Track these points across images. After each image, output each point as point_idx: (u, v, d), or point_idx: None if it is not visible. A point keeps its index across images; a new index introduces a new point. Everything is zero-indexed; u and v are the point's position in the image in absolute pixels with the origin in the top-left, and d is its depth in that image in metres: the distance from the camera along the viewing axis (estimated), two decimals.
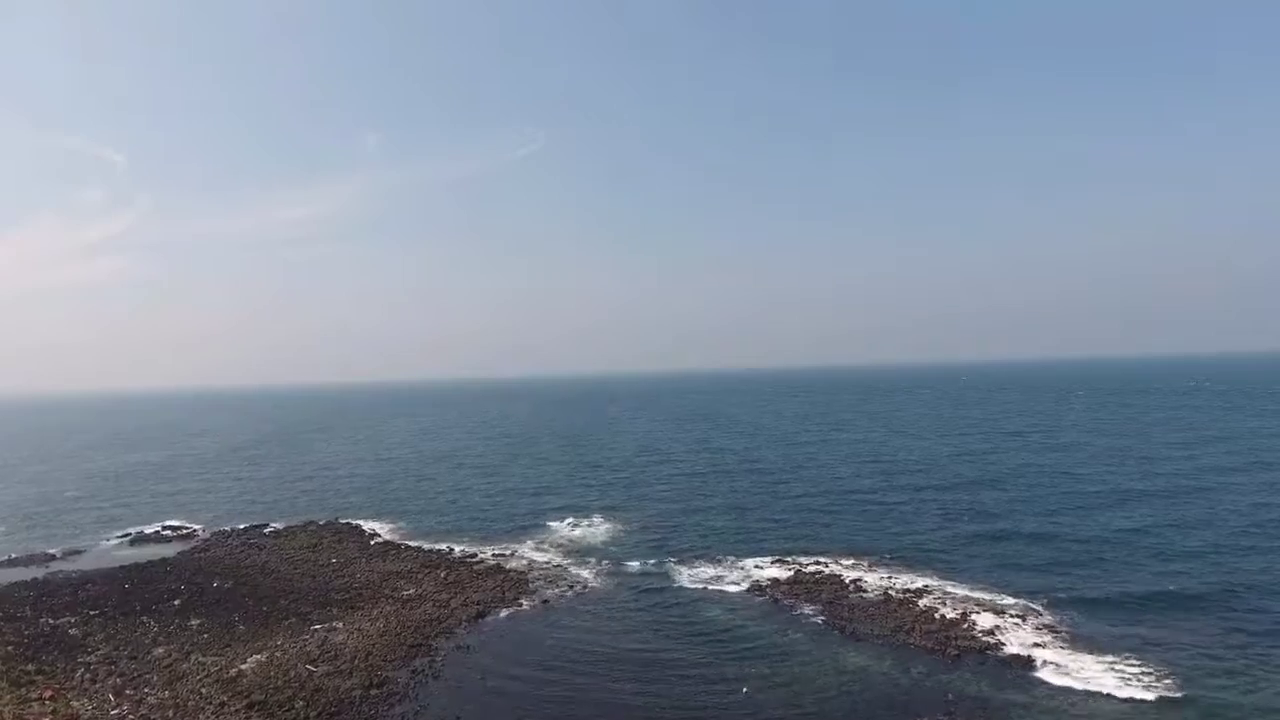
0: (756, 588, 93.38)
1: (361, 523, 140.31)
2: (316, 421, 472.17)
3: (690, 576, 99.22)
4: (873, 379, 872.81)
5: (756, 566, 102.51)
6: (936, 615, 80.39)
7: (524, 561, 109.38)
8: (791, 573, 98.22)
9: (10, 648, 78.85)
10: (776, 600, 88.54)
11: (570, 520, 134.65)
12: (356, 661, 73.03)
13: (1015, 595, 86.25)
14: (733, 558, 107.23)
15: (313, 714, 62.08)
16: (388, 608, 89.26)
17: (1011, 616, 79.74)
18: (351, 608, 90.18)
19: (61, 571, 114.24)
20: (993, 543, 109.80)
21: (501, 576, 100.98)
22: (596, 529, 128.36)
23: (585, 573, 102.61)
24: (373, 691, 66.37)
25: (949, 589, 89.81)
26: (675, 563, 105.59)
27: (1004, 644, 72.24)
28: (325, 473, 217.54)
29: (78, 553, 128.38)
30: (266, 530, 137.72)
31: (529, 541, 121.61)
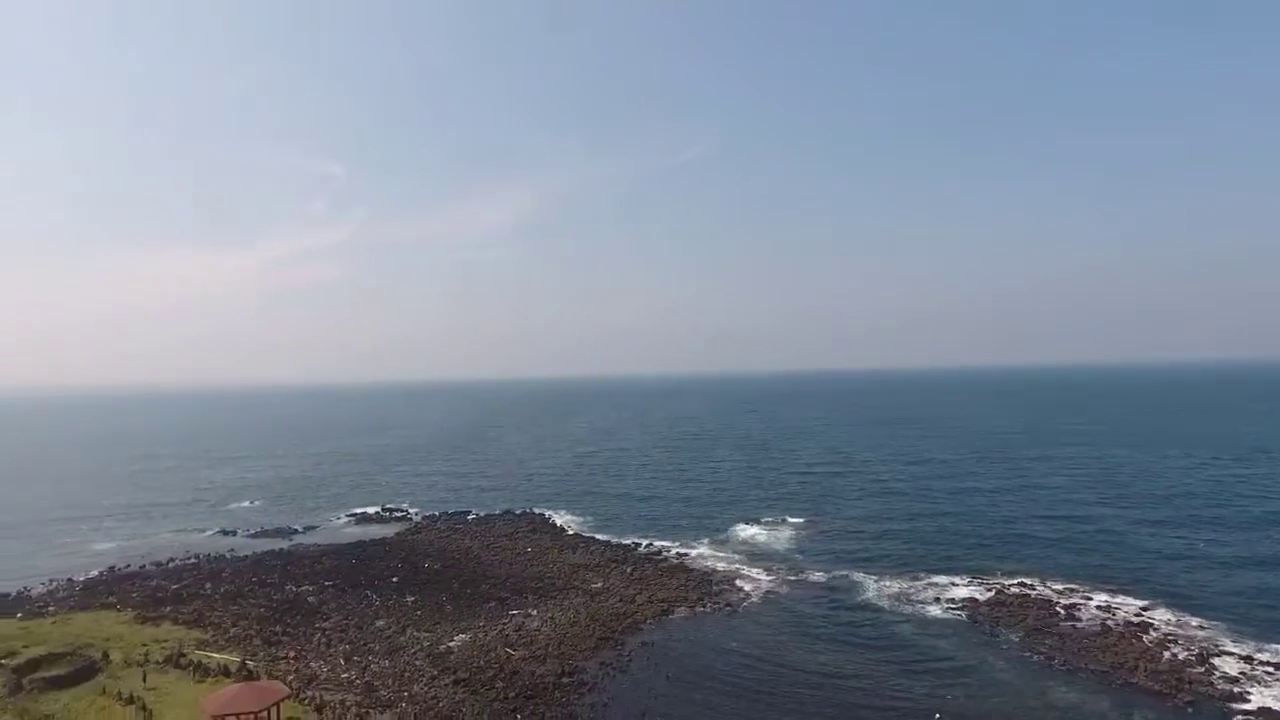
0: (952, 606, 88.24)
1: (553, 514, 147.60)
2: (505, 415, 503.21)
3: (879, 589, 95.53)
4: (1086, 379, 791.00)
5: (952, 583, 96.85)
6: (1166, 654, 71.89)
7: (707, 562, 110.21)
8: (992, 593, 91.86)
9: (263, 609, 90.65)
10: (975, 621, 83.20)
11: (753, 523, 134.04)
12: (550, 648, 76.97)
13: (1269, 640, 75.30)
14: (925, 573, 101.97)
15: (511, 694, 66.14)
16: (577, 599, 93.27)
17: (1262, 665, 69.65)
18: (544, 596, 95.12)
19: (302, 545, 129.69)
20: (1241, 574, 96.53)
21: (685, 576, 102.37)
22: (780, 533, 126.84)
23: (769, 578, 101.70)
24: (565, 679, 69.64)
25: (1182, 625, 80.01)
26: (863, 574, 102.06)
27: (1250, 695, 63.31)
28: (517, 465, 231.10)
29: (314, 528, 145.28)
30: (469, 517, 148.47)
31: (712, 542, 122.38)
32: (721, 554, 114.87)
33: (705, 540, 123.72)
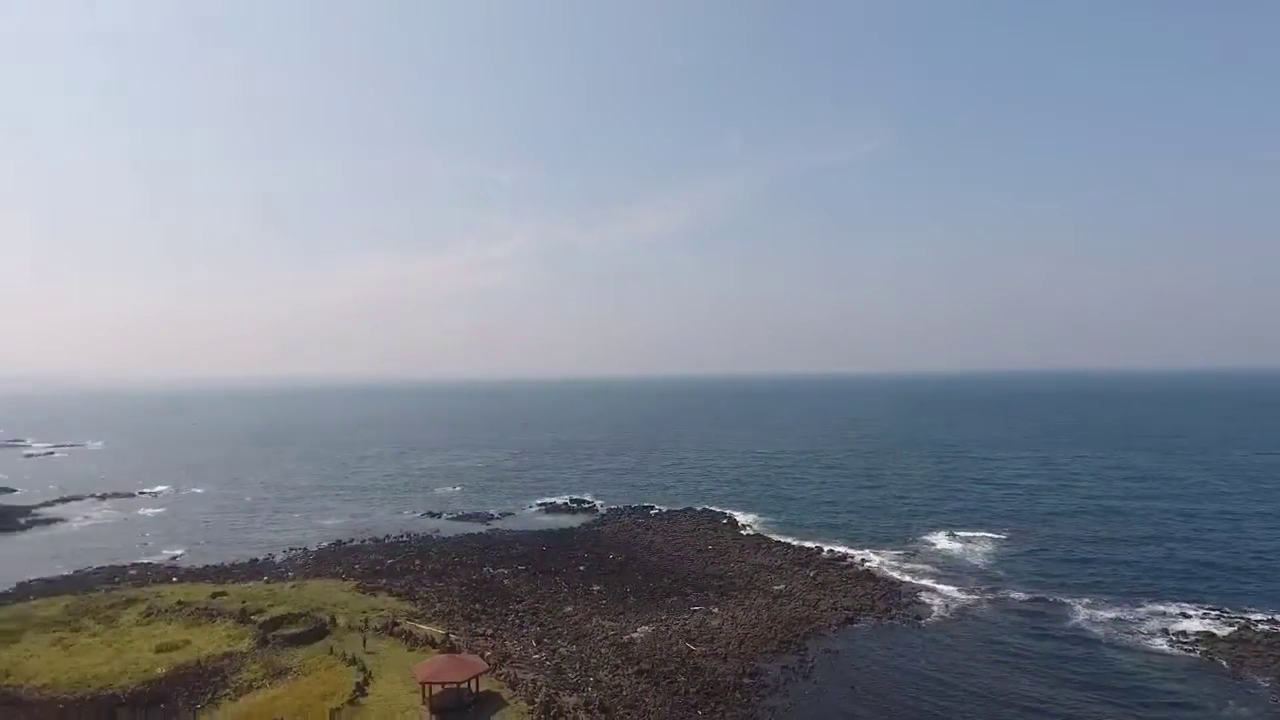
0: (1182, 641, 78.45)
1: (734, 513, 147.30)
2: (674, 412, 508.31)
3: (1090, 616, 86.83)
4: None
5: (1182, 614, 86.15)
6: None
7: (894, 572, 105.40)
8: (1233, 629, 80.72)
9: (464, 588, 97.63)
10: (1211, 659, 73.48)
11: (947, 534, 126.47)
12: (731, 647, 76.86)
13: None
14: (1148, 600, 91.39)
15: (692, 690, 66.72)
16: (759, 599, 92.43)
17: None
18: (725, 594, 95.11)
19: (498, 530, 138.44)
20: None
21: (872, 584, 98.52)
22: (977, 546, 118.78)
23: (962, 594, 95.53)
24: (745, 680, 69.25)
25: None
26: (1071, 597, 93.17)
27: None
28: (696, 463, 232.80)
29: (509, 515, 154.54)
30: (652, 512, 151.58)
31: (901, 551, 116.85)
32: (910, 564, 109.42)
33: (892, 549, 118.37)
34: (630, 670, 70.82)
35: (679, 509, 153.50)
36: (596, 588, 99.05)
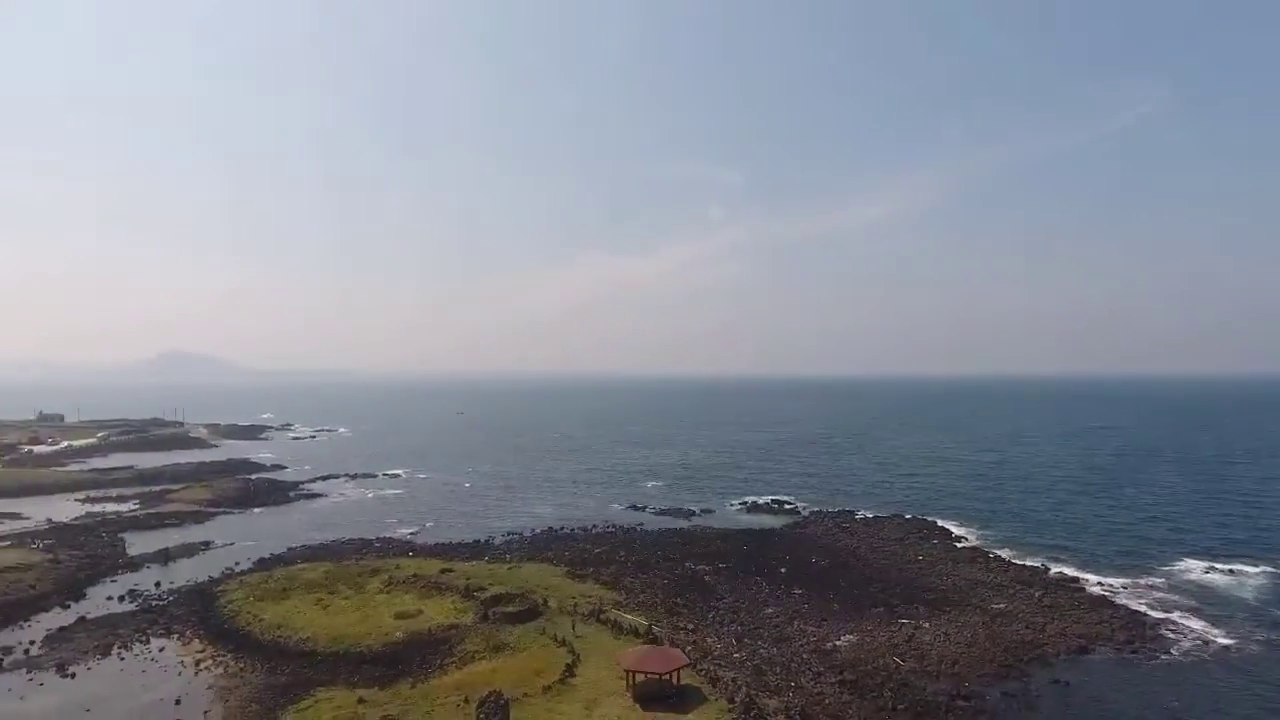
0: None
1: (947, 524, 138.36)
2: (887, 415, 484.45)
3: None
4: None
5: None
6: None
7: (1140, 601, 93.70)
8: None
9: (666, 581, 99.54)
10: None
11: (1207, 562, 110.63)
12: (943, 666, 72.15)
13: None
14: None
15: (900, 706, 63.35)
16: (975, 618, 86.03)
17: None
18: (937, 609, 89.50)
19: (699, 526, 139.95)
20: None
21: (1109, 611, 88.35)
22: (1245, 579, 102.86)
23: (1226, 632, 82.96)
24: (959, 702, 64.66)
25: None
26: None
27: None
28: (908, 468, 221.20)
29: (710, 512, 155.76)
30: (857, 517, 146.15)
31: (1148, 579, 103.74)
32: (1158, 594, 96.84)
33: (1136, 575, 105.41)
34: (833, 679, 68.61)
35: (886, 515, 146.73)
36: (798, 591, 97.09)
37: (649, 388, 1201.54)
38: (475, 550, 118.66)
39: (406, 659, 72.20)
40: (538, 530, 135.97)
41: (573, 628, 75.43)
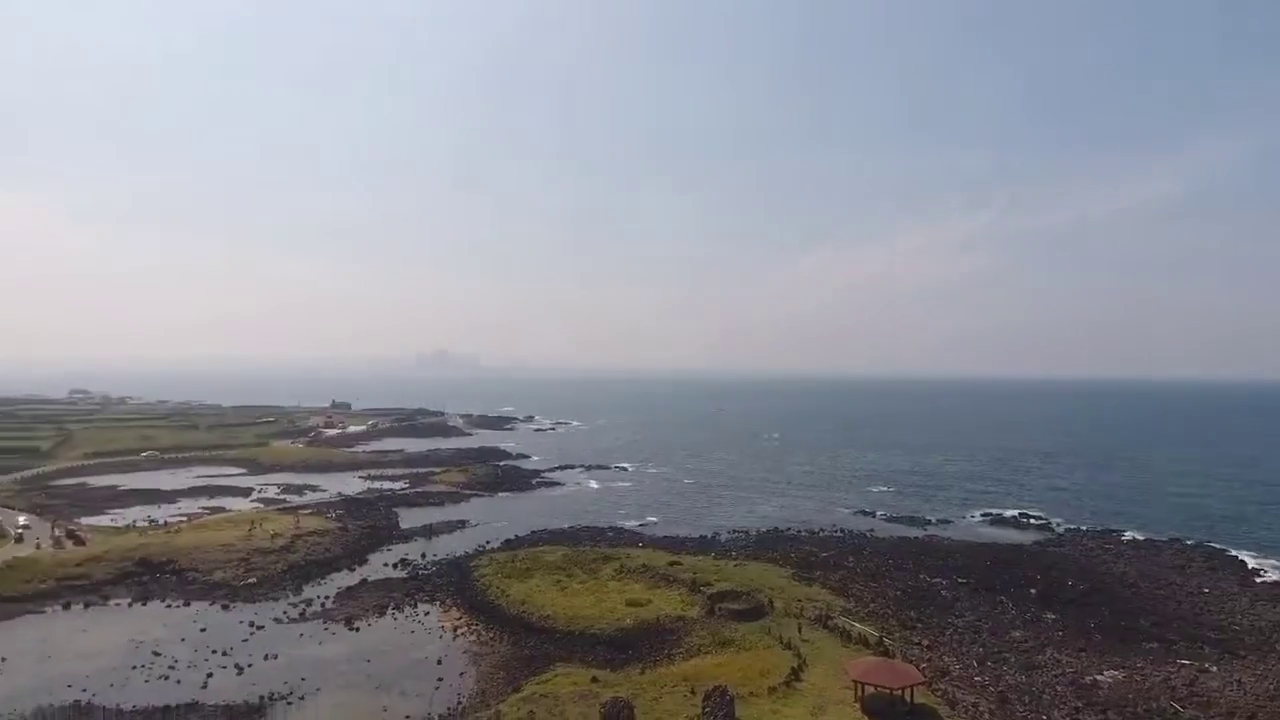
0: None
1: (1240, 553, 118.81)
2: (1144, 421, 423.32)
3: None
4: None
5: None
6: None
7: None
8: None
9: (898, 592, 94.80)
10: None
11: None
12: (1235, 717, 62.01)
13: None
14: None
15: None
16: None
17: None
18: (1229, 652, 77.09)
19: (935, 537, 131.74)
20: None
21: None
22: None
23: None
24: None
25: None
26: None
27: None
28: (1181, 484, 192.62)
29: (947, 522, 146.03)
30: (1124, 538, 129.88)
31: None
32: None
33: None
34: (1093, 717, 61.50)
35: (1161, 538, 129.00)
36: (1051, 616, 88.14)
37: (876, 388, 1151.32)
38: (701, 545, 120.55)
39: (636, 645, 75.01)
40: (763, 529, 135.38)
41: (799, 630, 74.19)
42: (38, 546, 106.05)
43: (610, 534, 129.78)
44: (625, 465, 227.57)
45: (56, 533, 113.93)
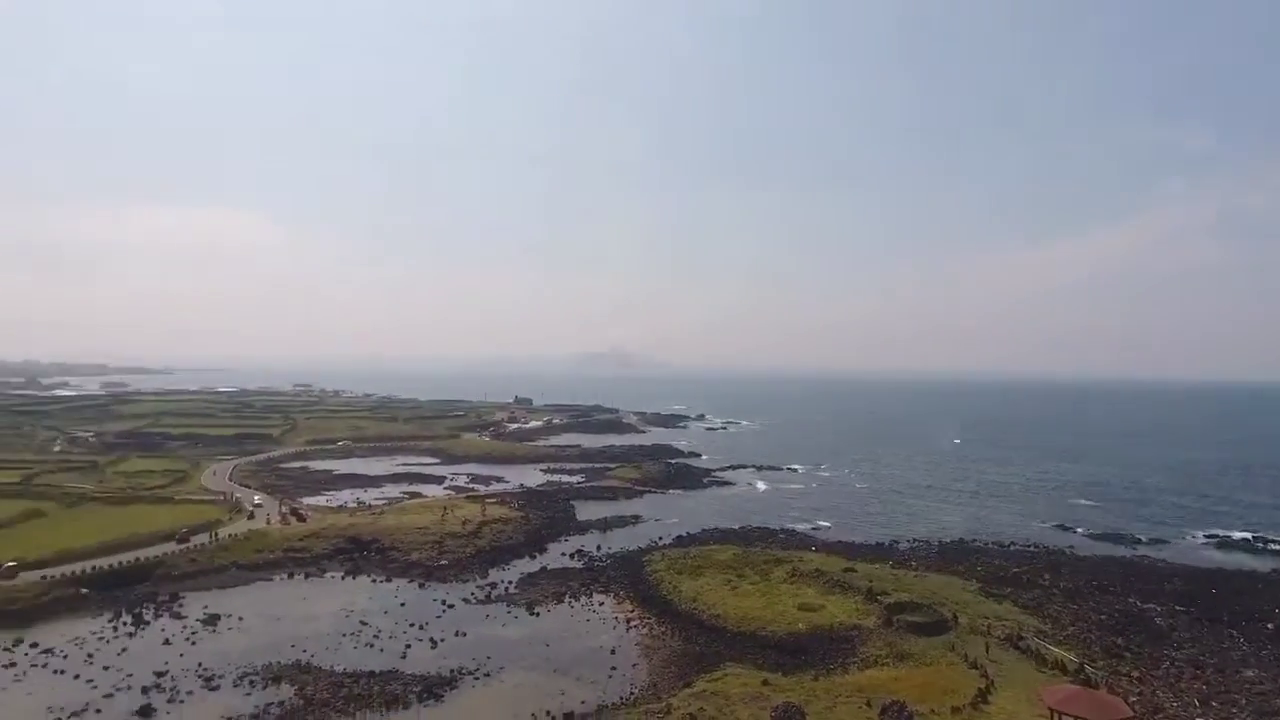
0: None
1: None
2: None
3: None
4: None
5: None
6: None
7: None
8: None
9: (1103, 616, 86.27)
10: None
11: None
12: None
13: None
14: None
15: None
16: None
17: None
18: None
19: (1146, 558, 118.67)
20: None
21: None
22: None
23: None
24: None
25: None
26: None
27: None
28: None
29: (1162, 543, 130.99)
30: None
31: None
32: None
33: None
34: None
35: None
36: None
37: (1079, 390, 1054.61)
38: (878, 553, 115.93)
39: (808, 650, 73.41)
40: (945, 539, 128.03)
41: (986, 650, 69.61)
42: (268, 522, 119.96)
43: (782, 536, 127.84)
44: (796, 466, 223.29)
45: (283, 510, 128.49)
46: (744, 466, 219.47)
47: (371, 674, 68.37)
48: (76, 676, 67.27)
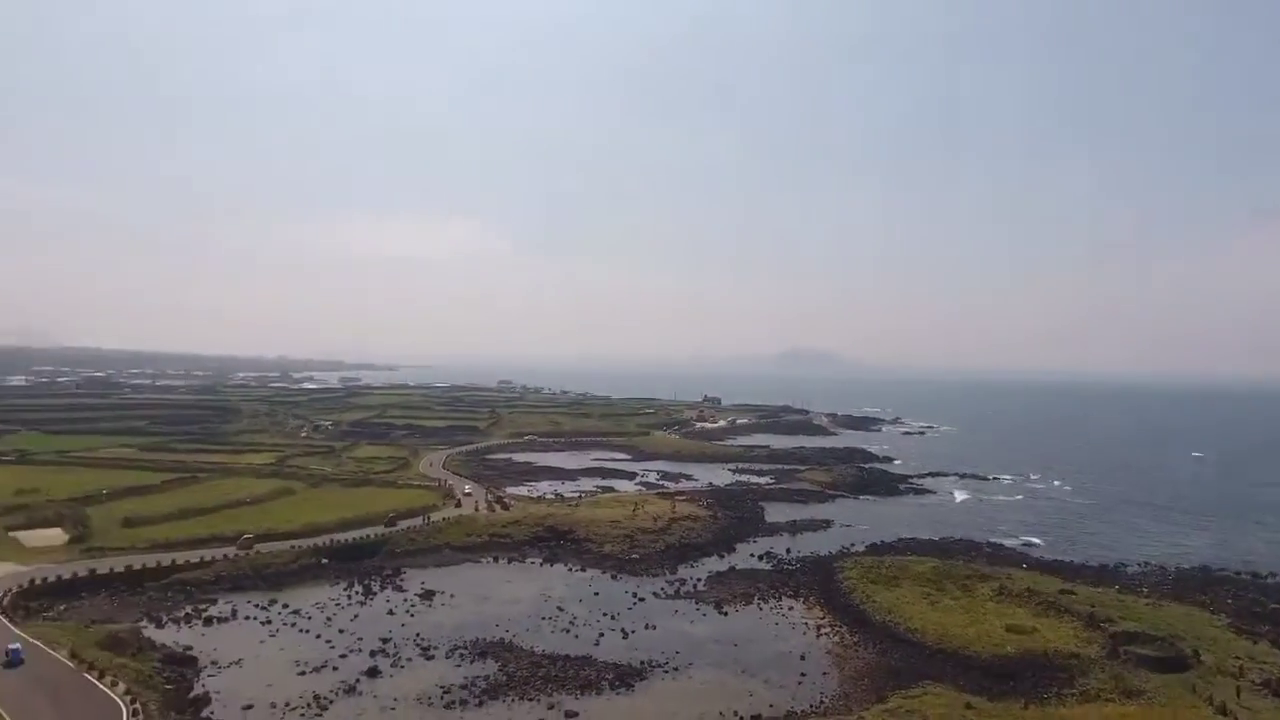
0: None
1: None
2: None
3: None
4: None
5: None
6: None
7: None
8: None
9: None
10: None
11: None
12: None
13: None
14: None
15: None
16: None
17: None
18: None
19: None
20: None
21: None
22: None
23: None
24: None
25: None
26: None
27: None
28: None
29: None
30: None
31: None
32: None
33: None
34: None
35: None
36: None
37: None
38: (1101, 575, 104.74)
39: (1017, 676, 67.91)
40: (1185, 565, 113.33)
41: (1237, 694, 61.03)
42: (476, 508, 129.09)
43: (987, 550, 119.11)
44: (1003, 476, 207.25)
45: (489, 498, 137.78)
46: (944, 474, 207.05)
47: (567, 658, 71.57)
48: (317, 636, 76.05)
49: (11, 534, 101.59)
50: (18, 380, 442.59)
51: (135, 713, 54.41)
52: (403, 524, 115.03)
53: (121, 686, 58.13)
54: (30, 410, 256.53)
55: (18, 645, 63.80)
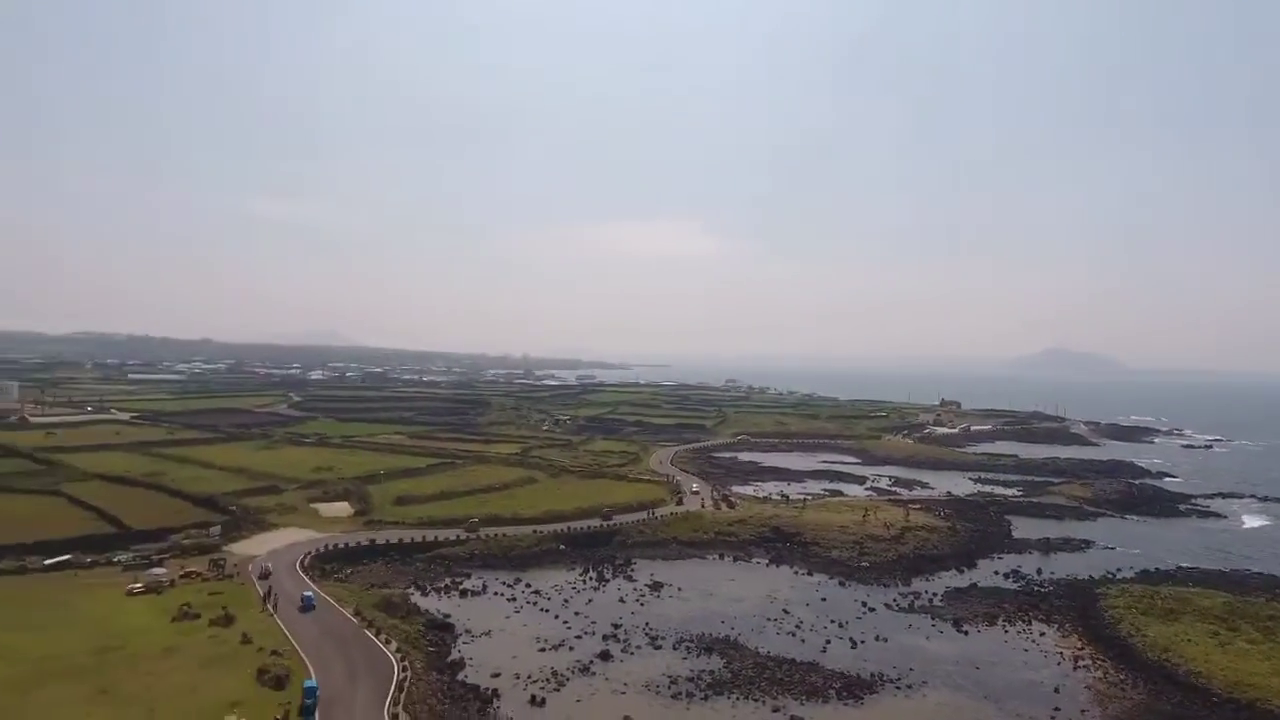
0: None
1: None
2: None
3: None
4: None
5: None
6: None
7: None
8: None
9: None
10: None
11: None
12: None
13: None
14: None
15: None
16: None
17: None
18: None
19: None
20: None
21: None
22: None
23: None
24: None
25: None
26: None
27: None
28: None
29: None
30: None
31: None
32: None
33: None
34: None
35: None
36: None
37: None
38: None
39: None
40: None
41: None
42: (702, 506, 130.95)
43: None
44: None
45: (715, 496, 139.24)
46: (1239, 496, 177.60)
47: (793, 662, 70.40)
48: (556, 616, 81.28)
49: (312, 505, 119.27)
50: (317, 374, 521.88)
51: (405, 669, 61.35)
52: (617, 518, 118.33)
53: (394, 645, 65.89)
54: (326, 400, 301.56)
55: (310, 593, 76.25)
